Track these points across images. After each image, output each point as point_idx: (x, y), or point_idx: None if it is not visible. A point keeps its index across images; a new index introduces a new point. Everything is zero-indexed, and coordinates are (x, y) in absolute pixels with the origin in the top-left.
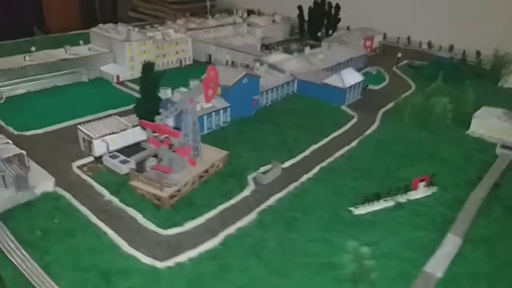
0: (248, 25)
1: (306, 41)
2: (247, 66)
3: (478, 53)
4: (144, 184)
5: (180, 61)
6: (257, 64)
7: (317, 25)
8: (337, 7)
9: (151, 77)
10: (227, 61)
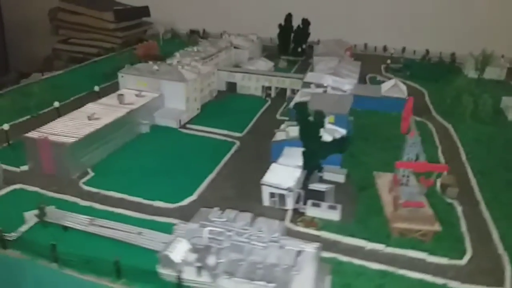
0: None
1: (287, 58)
2: (294, 90)
3: (453, 55)
4: (407, 223)
5: (211, 93)
6: (312, 86)
7: (298, 40)
8: (306, 22)
9: (310, 120)
10: (263, 87)
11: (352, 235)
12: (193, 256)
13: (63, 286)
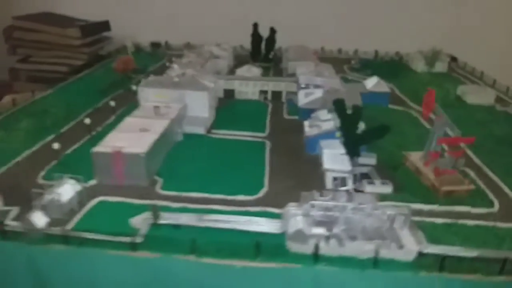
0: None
1: (258, 64)
2: (293, 92)
3: (397, 53)
4: (451, 185)
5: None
6: (311, 87)
7: (267, 47)
8: (273, 30)
9: (349, 114)
10: (261, 91)
11: (408, 201)
12: (317, 229)
13: (202, 274)
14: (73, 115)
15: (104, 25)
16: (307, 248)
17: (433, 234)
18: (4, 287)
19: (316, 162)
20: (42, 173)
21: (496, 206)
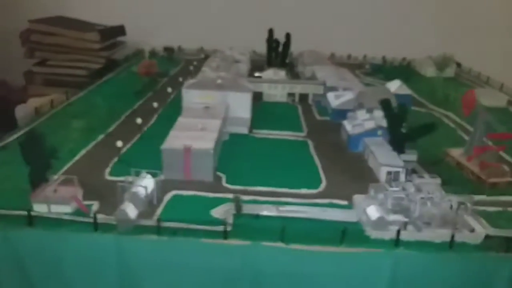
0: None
1: (275, 68)
2: (320, 95)
3: (404, 59)
4: (498, 177)
5: None
6: (340, 89)
7: (283, 52)
8: (288, 35)
9: (395, 113)
10: (288, 94)
11: (458, 193)
12: (396, 216)
13: (289, 260)
14: (115, 115)
15: (120, 30)
16: (387, 234)
17: (488, 220)
18: (93, 278)
19: (360, 159)
20: (108, 170)
21: None
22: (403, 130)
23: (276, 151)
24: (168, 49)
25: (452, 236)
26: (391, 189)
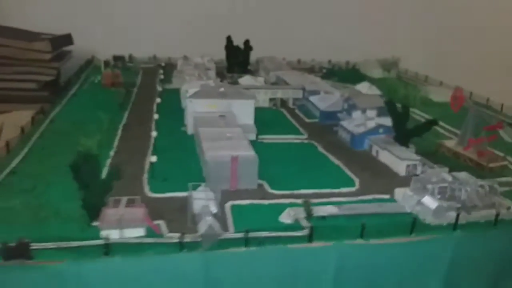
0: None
1: (232, 75)
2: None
3: (348, 62)
4: (495, 162)
5: None
6: (322, 92)
7: (244, 59)
8: (247, 42)
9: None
10: (270, 99)
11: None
12: (451, 203)
13: (369, 254)
14: (111, 130)
15: (67, 39)
16: (444, 220)
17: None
18: None
19: (368, 156)
20: (145, 187)
21: None
22: (408, 127)
23: (293, 154)
24: (117, 58)
25: (497, 215)
26: (435, 180)
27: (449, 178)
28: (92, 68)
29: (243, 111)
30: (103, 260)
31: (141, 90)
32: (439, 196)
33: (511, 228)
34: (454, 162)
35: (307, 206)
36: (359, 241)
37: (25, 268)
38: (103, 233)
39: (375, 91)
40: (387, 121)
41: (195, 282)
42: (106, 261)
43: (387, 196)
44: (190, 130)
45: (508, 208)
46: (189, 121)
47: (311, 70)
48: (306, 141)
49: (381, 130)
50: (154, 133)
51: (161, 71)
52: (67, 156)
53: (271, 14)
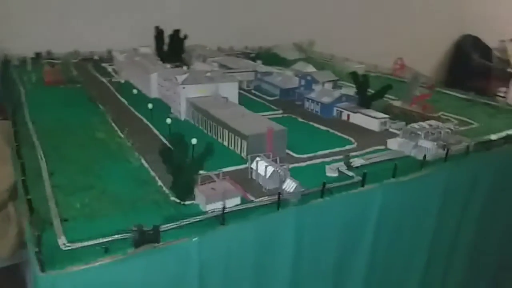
0: None
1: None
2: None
3: (261, 47)
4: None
5: None
6: (275, 74)
7: (179, 48)
8: (177, 31)
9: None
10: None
11: None
12: (435, 143)
13: (397, 191)
14: (103, 125)
15: None
16: (437, 156)
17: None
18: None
19: (339, 120)
20: None
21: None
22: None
23: (287, 126)
24: (36, 54)
25: (468, 147)
26: (419, 128)
27: (427, 126)
28: (18, 68)
29: (229, 94)
30: (220, 230)
31: (89, 85)
32: (429, 139)
33: (476, 155)
34: (403, 117)
35: (347, 159)
36: (392, 180)
37: (153, 252)
38: (209, 206)
39: (313, 68)
40: (345, 91)
41: (290, 231)
42: (223, 231)
43: (382, 147)
44: (183, 115)
45: (470, 141)
46: (182, 107)
47: (237, 55)
48: (286, 115)
49: (343, 99)
50: (168, 120)
51: (104, 64)
52: (86, 149)
53: (187, 3)
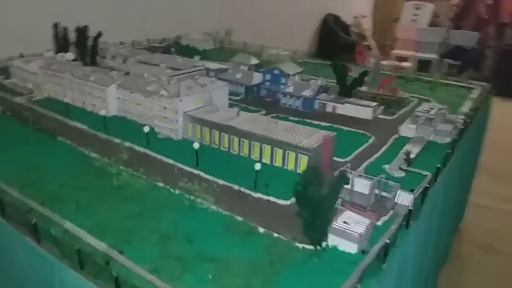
0: None
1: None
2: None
3: (164, 39)
4: None
5: None
6: (230, 70)
7: (94, 48)
8: (84, 29)
9: (340, 72)
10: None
11: None
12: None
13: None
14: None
15: None
16: (453, 136)
17: None
18: None
19: (326, 114)
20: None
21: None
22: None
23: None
24: None
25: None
26: (423, 115)
27: (433, 111)
28: None
29: (220, 100)
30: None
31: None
32: (441, 122)
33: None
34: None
35: (408, 157)
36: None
37: None
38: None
39: (255, 60)
40: (319, 82)
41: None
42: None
43: (397, 136)
44: (180, 134)
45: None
46: (179, 124)
47: (149, 50)
48: (273, 115)
49: (321, 90)
50: (196, 145)
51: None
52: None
53: None
